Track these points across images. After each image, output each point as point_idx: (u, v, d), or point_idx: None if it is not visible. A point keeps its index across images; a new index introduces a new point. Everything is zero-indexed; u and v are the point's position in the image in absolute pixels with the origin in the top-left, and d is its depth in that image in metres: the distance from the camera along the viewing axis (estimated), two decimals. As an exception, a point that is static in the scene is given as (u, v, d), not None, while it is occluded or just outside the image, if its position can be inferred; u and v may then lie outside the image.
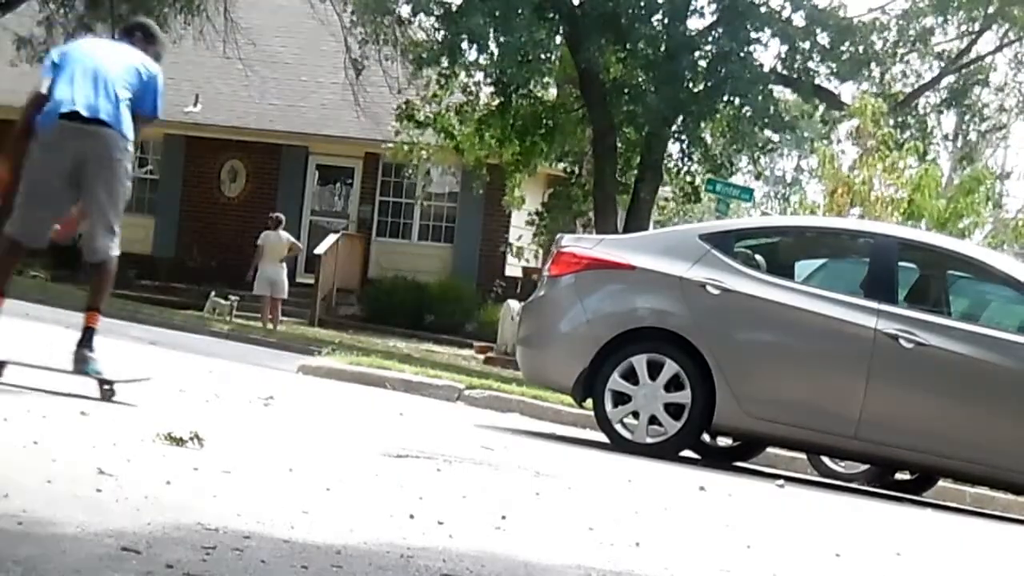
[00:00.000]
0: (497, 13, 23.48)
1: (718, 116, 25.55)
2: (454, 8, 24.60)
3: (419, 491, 5.86)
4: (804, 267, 11.19)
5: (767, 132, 25.84)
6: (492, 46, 24.30)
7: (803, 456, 12.42)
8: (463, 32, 23.88)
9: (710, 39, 25.12)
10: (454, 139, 27.00)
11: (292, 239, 25.33)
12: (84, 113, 8.06)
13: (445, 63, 24.88)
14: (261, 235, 25.13)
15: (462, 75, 25.98)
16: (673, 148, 26.72)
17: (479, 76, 26.24)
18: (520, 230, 30.65)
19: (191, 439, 6.18)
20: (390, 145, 28.49)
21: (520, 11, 23.51)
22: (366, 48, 27.81)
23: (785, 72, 25.89)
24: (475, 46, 24.72)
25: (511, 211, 30.32)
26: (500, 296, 28.19)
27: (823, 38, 25.29)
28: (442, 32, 25.03)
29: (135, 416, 7.18)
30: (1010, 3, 26.43)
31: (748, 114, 24.72)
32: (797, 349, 10.40)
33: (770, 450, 12.10)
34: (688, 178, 27.20)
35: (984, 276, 10.79)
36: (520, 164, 27.02)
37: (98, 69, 8.22)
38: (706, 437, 11.19)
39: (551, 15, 24.72)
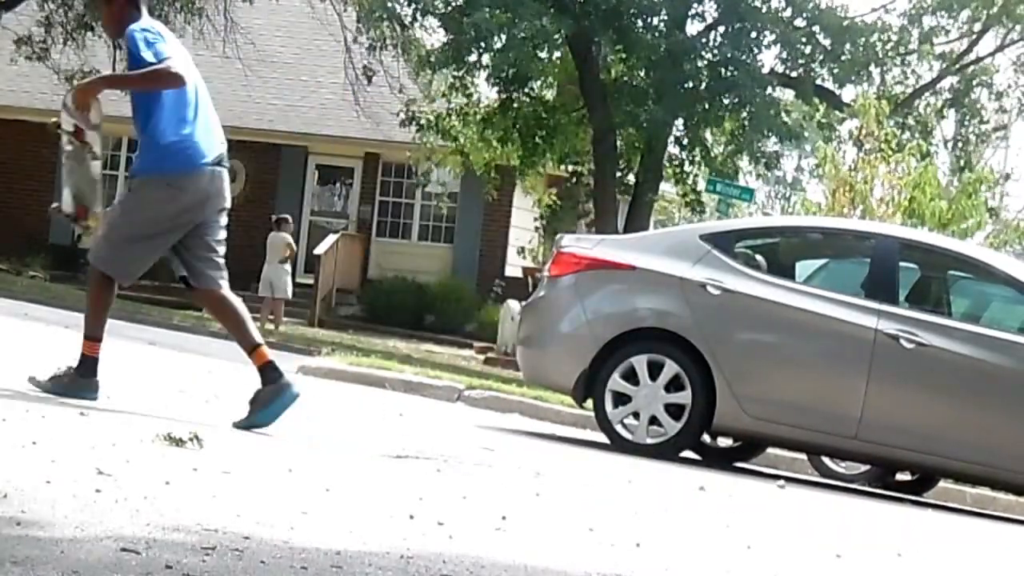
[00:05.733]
0: (504, 5, 23.40)
1: (721, 122, 25.46)
2: (460, 3, 24.50)
3: (419, 492, 5.84)
4: (805, 267, 11.18)
5: (771, 139, 25.76)
6: (498, 39, 24.10)
7: (804, 456, 12.41)
8: (469, 28, 23.73)
9: (711, 42, 25.08)
10: (457, 142, 26.96)
11: (288, 240, 24.67)
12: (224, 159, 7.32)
13: (454, 68, 24.80)
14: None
15: (469, 78, 25.87)
16: (674, 151, 26.68)
17: (482, 76, 26.15)
18: (519, 230, 30.61)
19: (191, 439, 6.16)
20: (408, 152, 28.46)
21: (525, 3, 23.41)
22: (367, 49, 27.77)
23: (786, 73, 25.85)
24: (481, 44, 24.53)
25: (514, 211, 30.29)
26: (500, 296, 28.16)
27: (824, 40, 25.27)
28: (447, 32, 24.94)
29: (134, 416, 7.16)
30: (1015, 3, 26.42)
31: (751, 120, 24.60)
32: (798, 349, 10.40)
33: (770, 450, 12.09)
34: (690, 183, 27.10)
35: (985, 276, 10.79)
36: (525, 166, 26.98)
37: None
38: (706, 437, 11.19)
39: (552, 9, 24.67)
